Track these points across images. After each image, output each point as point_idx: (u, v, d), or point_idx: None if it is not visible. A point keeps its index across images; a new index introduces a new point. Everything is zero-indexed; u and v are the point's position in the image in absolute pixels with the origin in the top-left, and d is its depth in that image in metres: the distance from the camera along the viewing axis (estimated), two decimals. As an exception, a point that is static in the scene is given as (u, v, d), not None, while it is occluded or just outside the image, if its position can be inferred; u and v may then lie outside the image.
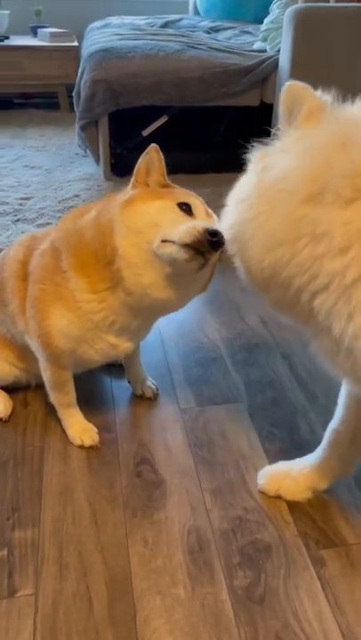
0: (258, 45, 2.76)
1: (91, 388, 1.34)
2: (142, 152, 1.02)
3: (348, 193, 0.63)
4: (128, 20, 3.38)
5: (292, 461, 1.09)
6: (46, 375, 1.13)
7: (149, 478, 1.10)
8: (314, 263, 0.66)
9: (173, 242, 0.91)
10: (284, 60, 2.41)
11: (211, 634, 0.84)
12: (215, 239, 0.89)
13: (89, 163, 2.83)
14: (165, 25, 3.24)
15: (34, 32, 3.91)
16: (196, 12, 3.84)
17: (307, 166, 0.67)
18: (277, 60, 2.49)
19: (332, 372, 0.77)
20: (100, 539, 0.98)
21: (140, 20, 3.36)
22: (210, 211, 1.01)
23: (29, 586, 0.91)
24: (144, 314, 1.04)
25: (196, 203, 0.98)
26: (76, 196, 2.43)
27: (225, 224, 0.80)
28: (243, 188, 0.77)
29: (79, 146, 2.92)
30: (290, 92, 0.72)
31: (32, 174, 2.69)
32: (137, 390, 1.32)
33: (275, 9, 2.80)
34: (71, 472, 1.11)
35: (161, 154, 1.02)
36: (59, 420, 1.21)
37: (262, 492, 1.07)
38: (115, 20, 3.39)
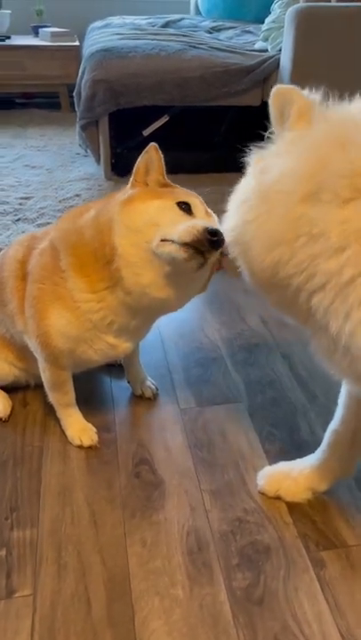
0: (259, 45, 2.76)
1: (90, 388, 1.34)
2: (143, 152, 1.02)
3: (347, 193, 0.63)
4: (129, 19, 3.38)
5: (292, 462, 1.09)
6: (45, 375, 1.13)
7: (148, 479, 1.10)
8: (311, 262, 0.66)
9: (173, 241, 0.91)
10: (286, 60, 2.40)
11: (209, 635, 0.84)
12: (215, 238, 0.89)
13: (90, 162, 2.83)
14: (166, 25, 3.24)
15: (35, 32, 3.90)
16: (198, 12, 3.83)
17: (303, 166, 0.68)
18: (279, 59, 2.49)
19: (331, 371, 0.77)
20: (98, 539, 0.98)
21: (141, 20, 3.35)
22: (209, 210, 1.00)
23: (28, 586, 0.90)
24: (143, 314, 1.04)
25: (196, 202, 0.98)
26: (77, 195, 2.43)
27: (226, 227, 0.80)
28: (242, 191, 0.77)
29: (80, 145, 2.91)
30: (278, 95, 0.73)
31: (33, 174, 2.69)
32: (136, 390, 1.32)
33: (276, 8, 2.80)
34: (70, 472, 1.11)
35: (160, 153, 1.02)
36: (58, 420, 1.20)
37: (262, 493, 1.07)
38: (116, 19, 3.39)
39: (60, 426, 1.20)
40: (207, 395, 1.33)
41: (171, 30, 3.05)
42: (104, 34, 2.91)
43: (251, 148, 0.78)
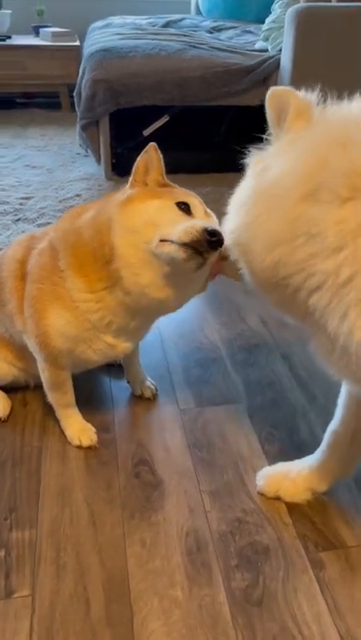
0: (259, 45, 2.76)
1: (90, 388, 1.33)
2: (143, 152, 1.02)
3: (346, 192, 0.63)
4: (130, 19, 3.38)
5: (291, 462, 1.08)
6: (44, 375, 1.13)
7: (148, 479, 1.10)
8: (309, 262, 0.66)
9: (172, 241, 0.91)
10: (286, 60, 2.40)
11: (208, 636, 0.84)
12: (214, 239, 0.88)
13: (90, 162, 2.83)
14: (167, 25, 3.24)
15: (36, 32, 3.91)
16: (198, 12, 3.83)
17: (302, 165, 0.68)
18: (279, 59, 2.49)
19: (330, 372, 0.77)
20: (97, 540, 0.98)
21: (141, 20, 3.35)
22: (208, 210, 1.00)
23: (26, 587, 0.90)
24: (142, 314, 1.04)
25: (195, 202, 0.98)
26: (77, 195, 2.43)
27: (226, 229, 0.80)
28: (242, 193, 0.78)
29: (80, 145, 2.91)
30: (274, 96, 0.73)
31: (33, 174, 2.69)
32: (136, 390, 1.31)
33: (276, 8, 2.80)
34: (69, 472, 1.11)
35: (160, 153, 1.01)
36: (57, 420, 1.20)
37: (261, 494, 1.07)
38: (116, 19, 3.39)
39: (60, 426, 1.20)
40: (207, 395, 1.33)
41: (171, 30, 3.05)
42: (104, 34, 2.91)
43: (250, 149, 0.78)
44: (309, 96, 0.72)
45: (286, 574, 0.93)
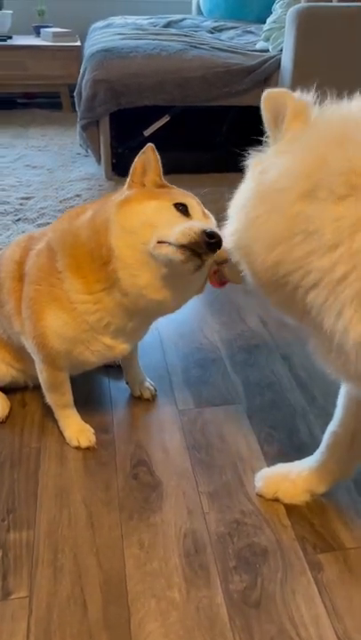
0: (260, 45, 2.75)
1: (89, 389, 1.33)
2: (144, 152, 1.01)
3: (342, 190, 0.63)
4: (131, 19, 3.38)
5: (290, 464, 1.08)
6: (42, 376, 1.12)
7: (146, 480, 1.10)
8: (306, 259, 0.66)
9: (169, 243, 0.90)
10: (287, 60, 2.40)
11: (205, 638, 0.83)
12: (212, 240, 0.88)
13: (90, 162, 2.83)
14: (168, 25, 3.24)
15: (37, 32, 3.90)
16: (200, 12, 3.83)
17: (301, 164, 0.68)
18: (280, 59, 2.48)
19: (328, 371, 0.77)
20: (95, 541, 0.97)
21: (142, 20, 3.35)
22: (206, 211, 1.00)
23: (24, 588, 0.90)
24: (140, 315, 1.03)
25: (193, 203, 0.98)
26: (78, 195, 2.43)
27: (227, 232, 0.80)
28: (242, 195, 0.78)
29: (80, 146, 2.91)
30: (269, 99, 0.73)
31: (33, 174, 2.69)
32: (135, 391, 1.31)
33: (277, 8, 2.80)
34: (67, 473, 1.11)
35: (157, 154, 1.01)
36: (56, 421, 1.20)
37: (260, 495, 1.06)
38: (117, 19, 3.39)
39: (59, 427, 1.20)
40: (206, 396, 1.33)
41: (172, 30, 3.05)
42: (105, 34, 2.91)
43: (250, 151, 0.78)
44: (306, 96, 0.72)
45: (284, 576, 0.93)
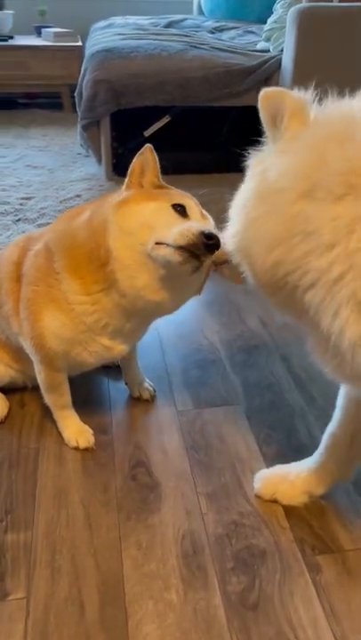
0: (261, 45, 2.75)
1: (88, 390, 1.33)
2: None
3: (340, 189, 0.63)
4: (132, 19, 3.38)
5: (289, 465, 1.08)
6: (41, 377, 1.12)
7: (144, 481, 1.09)
8: (305, 259, 0.66)
9: (167, 244, 0.90)
10: (287, 60, 2.39)
11: (203, 640, 0.83)
12: (210, 242, 0.88)
13: (91, 163, 2.83)
14: (169, 25, 3.24)
15: (38, 32, 3.91)
16: (201, 12, 3.83)
17: (301, 164, 0.68)
18: (280, 59, 2.48)
19: (325, 371, 0.77)
20: (93, 542, 0.97)
21: (143, 20, 3.35)
22: (205, 212, 1.00)
23: (21, 589, 0.90)
24: (138, 316, 1.03)
25: (191, 204, 0.97)
26: (78, 196, 2.43)
27: (228, 234, 0.80)
28: (242, 196, 0.77)
29: (81, 146, 2.91)
30: (267, 98, 0.72)
31: (34, 174, 2.69)
32: (134, 392, 1.31)
33: (278, 9, 2.79)
34: (66, 474, 1.11)
35: (155, 154, 1.01)
36: (55, 422, 1.20)
37: (258, 496, 1.06)
38: (119, 19, 3.39)
39: (57, 427, 1.19)
40: (205, 397, 1.33)
41: (173, 30, 3.05)
42: (106, 34, 2.91)
43: (250, 151, 0.78)
44: (304, 95, 0.72)
45: (283, 578, 0.92)
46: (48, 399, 1.16)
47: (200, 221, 0.96)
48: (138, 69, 2.45)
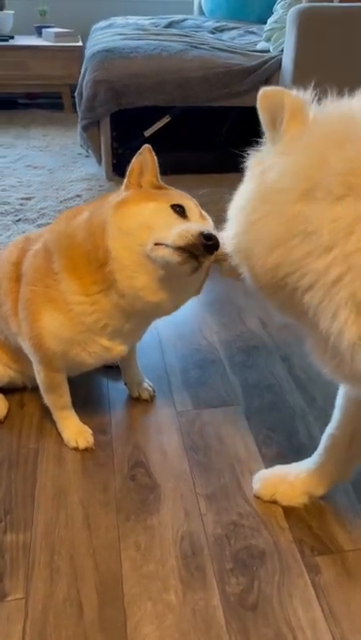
0: (261, 45, 2.75)
1: (87, 390, 1.33)
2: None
3: (340, 190, 0.63)
4: (132, 20, 3.37)
5: (288, 466, 1.08)
6: (40, 377, 1.12)
7: (144, 482, 1.09)
8: (304, 261, 0.66)
9: (166, 245, 0.90)
10: (287, 60, 2.39)
11: (202, 641, 0.83)
12: (209, 242, 0.88)
13: (91, 163, 2.83)
14: (170, 25, 3.23)
15: (38, 32, 3.91)
16: (201, 13, 3.83)
17: (300, 166, 0.67)
18: (280, 59, 2.48)
19: (324, 371, 0.77)
20: (92, 543, 0.97)
21: (144, 20, 3.35)
22: (204, 213, 1.00)
23: (20, 590, 0.90)
24: (137, 317, 1.03)
25: (190, 204, 0.97)
26: (78, 196, 2.42)
27: (227, 235, 0.80)
28: (241, 197, 0.77)
29: (81, 146, 2.91)
30: (266, 97, 0.72)
31: (34, 174, 2.69)
32: (133, 392, 1.31)
33: (278, 9, 2.79)
34: (65, 474, 1.11)
35: (154, 155, 1.01)
36: (54, 422, 1.20)
37: (257, 497, 1.06)
38: (119, 20, 3.38)
39: (57, 428, 1.19)
40: (204, 397, 1.33)
41: (173, 30, 3.05)
42: (106, 34, 2.91)
43: (249, 151, 0.78)
44: (303, 95, 0.71)
45: (282, 579, 0.92)
46: (47, 399, 1.16)
47: (199, 222, 0.96)
48: (138, 69, 2.45)
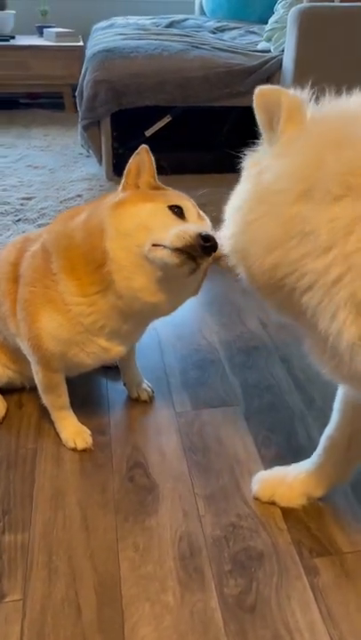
0: (262, 45, 2.74)
1: (86, 391, 1.33)
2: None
3: (338, 190, 0.62)
4: (133, 19, 3.37)
5: (287, 467, 1.07)
6: (38, 378, 1.12)
7: (142, 483, 1.09)
8: (302, 261, 0.66)
9: (164, 246, 0.90)
10: (288, 60, 2.39)
11: (199, 643, 0.83)
12: (208, 244, 0.87)
13: (92, 163, 2.83)
14: (170, 25, 3.23)
15: (39, 32, 3.91)
16: (202, 13, 3.83)
17: (298, 167, 0.67)
18: (281, 59, 2.47)
19: (323, 371, 0.77)
20: (90, 544, 0.97)
21: (145, 20, 3.35)
22: (202, 213, 0.99)
23: (18, 591, 0.90)
24: (135, 318, 1.03)
25: (188, 205, 0.97)
26: (79, 196, 2.42)
27: (224, 235, 0.79)
28: (238, 197, 0.77)
29: (82, 146, 2.91)
30: (262, 96, 0.71)
31: (35, 174, 2.69)
32: (132, 393, 1.31)
33: (279, 9, 2.79)
34: (64, 475, 1.10)
35: (151, 155, 1.01)
36: (53, 423, 1.20)
37: (256, 498, 1.06)
38: (120, 19, 3.38)
39: (55, 428, 1.19)
40: (204, 398, 1.32)
41: (174, 30, 3.04)
42: (107, 34, 2.91)
43: (245, 151, 0.77)
44: (300, 94, 0.71)
45: (280, 580, 0.92)
46: (46, 400, 1.16)
47: (197, 223, 0.96)
48: (138, 69, 2.45)
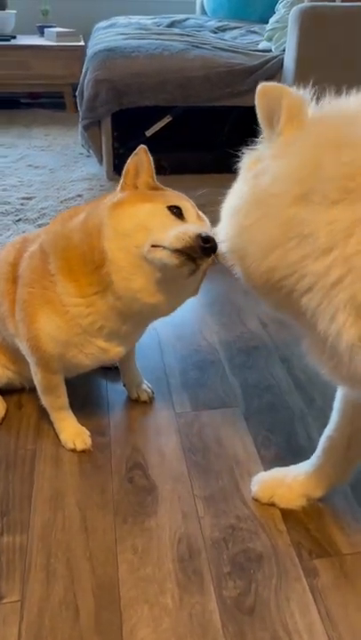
0: (263, 45, 2.74)
1: (86, 391, 1.33)
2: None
3: (336, 194, 0.62)
4: (134, 19, 3.37)
5: (286, 468, 1.07)
6: (37, 379, 1.12)
7: (141, 484, 1.09)
8: (301, 263, 0.66)
9: (164, 247, 0.89)
10: (289, 60, 2.38)
11: (198, 645, 0.83)
12: (207, 245, 0.87)
13: (93, 163, 2.82)
14: (172, 24, 3.23)
15: (40, 32, 3.91)
16: (204, 12, 3.82)
17: (296, 169, 0.67)
18: (282, 59, 2.47)
19: (322, 372, 0.76)
20: (89, 545, 0.97)
21: (146, 20, 3.34)
22: (201, 214, 0.99)
23: (16, 592, 0.89)
24: (134, 319, 1.02)
25: (187, 206, 0.97)
26: (79, 195, 2.42)
27: (221, 236, 0.79)
28: (235, 198, 0.77)
29: (82, 146, 2.91)
30: (264, 93, 0.71)
31: (35, 174, 2.68)
32: (132, 394, 1.30)
33: (280, 8, 2.78)
34: (63, 476, 1.10)
35: (150, 155, 1.00)
36: (52, 424, 1.19)
37: (256, 500, 1.05)
38: (121, 19, 3.38)
39: (54, 429, 1.19)
40: (203, 399, 1.32)
41: (175, 30, 3.04)
42: (108, 34, 2.90)
43: (243, 151, 0.77)
44: (302, 92, 0.70)
45: (279, 582, 0.92)
46: (45, 401, 1.16)
47: (196, 223, 0.95)
48: (139, 69, 2.44)
